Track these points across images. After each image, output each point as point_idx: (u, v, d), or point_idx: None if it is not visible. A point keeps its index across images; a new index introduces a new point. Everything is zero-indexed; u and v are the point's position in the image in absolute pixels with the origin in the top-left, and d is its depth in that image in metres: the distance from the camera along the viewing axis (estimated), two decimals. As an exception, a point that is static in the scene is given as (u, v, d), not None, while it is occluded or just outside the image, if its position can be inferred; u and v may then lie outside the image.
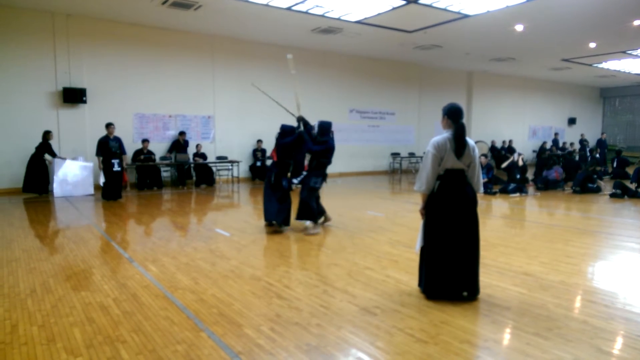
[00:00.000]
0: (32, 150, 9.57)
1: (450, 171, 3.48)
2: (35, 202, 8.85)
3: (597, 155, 16.29)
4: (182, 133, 11.92)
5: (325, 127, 6.19)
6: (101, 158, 8.92)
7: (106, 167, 8.91)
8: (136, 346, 2.75)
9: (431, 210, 3.54)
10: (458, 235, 3.46)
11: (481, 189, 3.62)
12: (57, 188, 9.58)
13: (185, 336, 2.89)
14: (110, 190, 9.02)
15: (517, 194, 10.12)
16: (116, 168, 9.02)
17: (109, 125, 9.05)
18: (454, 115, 3.50)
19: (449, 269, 3.47)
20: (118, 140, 9.13)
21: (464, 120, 3.55)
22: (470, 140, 3.54)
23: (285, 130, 6.31)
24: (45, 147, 9.61)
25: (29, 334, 2.93)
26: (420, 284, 3.70)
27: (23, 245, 5.42)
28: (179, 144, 11.83)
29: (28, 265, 4.53)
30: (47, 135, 9.62)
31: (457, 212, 3.47)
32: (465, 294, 3.51)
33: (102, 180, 8.91)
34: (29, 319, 3.18)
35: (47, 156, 9.65)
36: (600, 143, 20.35)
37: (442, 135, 3.53)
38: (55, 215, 7.69)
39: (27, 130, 9.86)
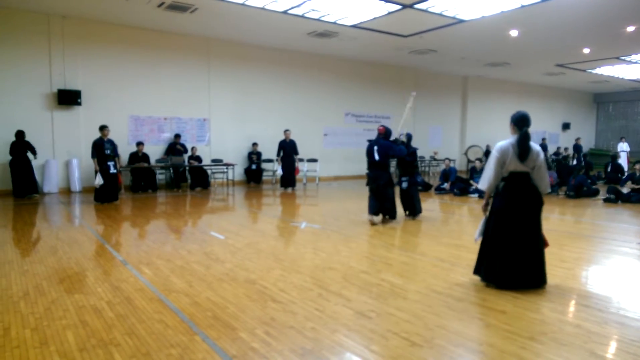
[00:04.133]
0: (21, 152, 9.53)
1: (514, 173, 3.87)
2: (28, 204, 8.79)
3: (571, 161, 16.13)
4: (177, 136, 11.89)
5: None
6: (96, 160, 8.88)
7: (102, 169, 8.86)
8: (130, 349, 2.73)
9: (497, 207, 3.93)
10: (522, 231, 3.82)
11: (548, 189, 3.97)
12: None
13: (180, 340, 2.88)
14: (106, 193, 8.97)
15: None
16: (112, 170, 8.99)
17: (103, 128, 9.01)
18: (519, 123, 3.88)
19: (518, 261, 3.80)
20: (112, 142, 9.12)
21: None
22: (536, 145, 3.89)
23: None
24: (25, 145, 9.55)
25: (21, 337, 2.91)
26: (478, 272, 4.02)
27: (16, 247, 5.38)
28: (175, 147, 11.79)
29: (21, 267, 4.49)
30: (23, 134, 9.56)
31: (522, 210, 3.84)
32: (534, 286, 3.85)
33: (97, 182, 8.83)
34: (21, 321, 3.16)
35: (31, 155, 9.68)
36: (576, 148, 20.28)
37: (507, 140, 3.92)
38: (48, 218, 7.63)
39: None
